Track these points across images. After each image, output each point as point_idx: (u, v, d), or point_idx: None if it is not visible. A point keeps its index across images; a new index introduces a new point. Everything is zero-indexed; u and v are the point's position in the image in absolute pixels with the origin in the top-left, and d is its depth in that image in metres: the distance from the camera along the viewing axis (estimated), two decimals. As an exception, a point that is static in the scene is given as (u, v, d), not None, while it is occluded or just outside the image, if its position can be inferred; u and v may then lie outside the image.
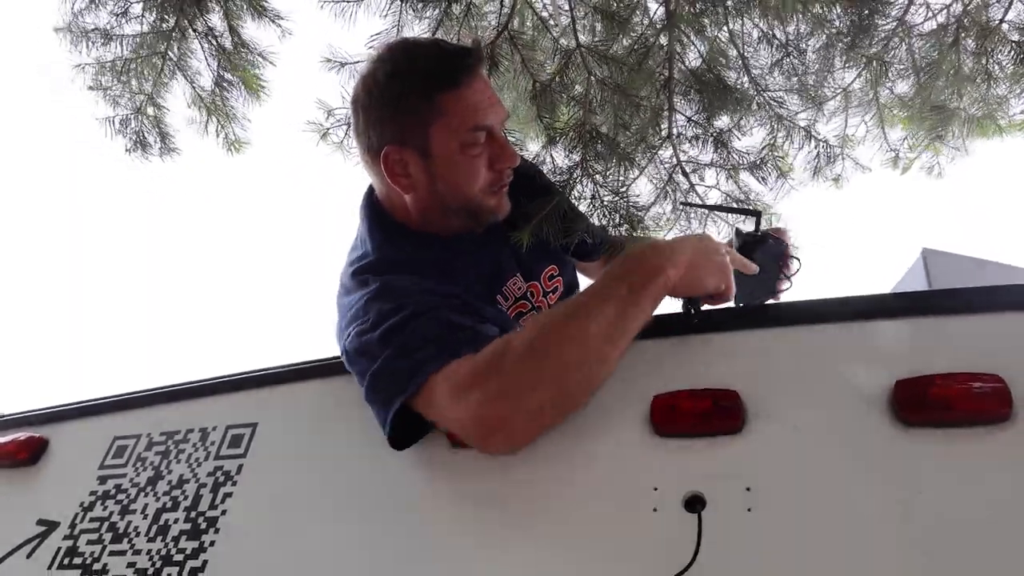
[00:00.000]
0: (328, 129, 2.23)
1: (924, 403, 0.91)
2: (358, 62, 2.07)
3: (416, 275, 1.21)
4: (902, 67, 2.50)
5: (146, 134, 2.49)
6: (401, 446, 1.10)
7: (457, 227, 1.32)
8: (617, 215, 1.61)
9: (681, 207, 1.42)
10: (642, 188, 1.84)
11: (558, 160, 1.76)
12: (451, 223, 1.31)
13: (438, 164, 1.24)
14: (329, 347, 1.27)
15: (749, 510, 0.91)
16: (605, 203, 1.60)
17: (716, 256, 1.14)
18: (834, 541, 0.86)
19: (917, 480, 0.88)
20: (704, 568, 0.88)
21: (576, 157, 1.68)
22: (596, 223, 1.62)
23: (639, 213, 1.65)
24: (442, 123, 1.20)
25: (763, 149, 2.02)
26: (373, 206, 1.35)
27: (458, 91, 1.19)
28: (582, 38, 2.25)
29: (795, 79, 2.31)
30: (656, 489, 0.97)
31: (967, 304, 1.01)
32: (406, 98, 1.21)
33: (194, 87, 2.52)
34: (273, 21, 2.44)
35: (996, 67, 2.32)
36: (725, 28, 2.28)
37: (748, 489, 0.93)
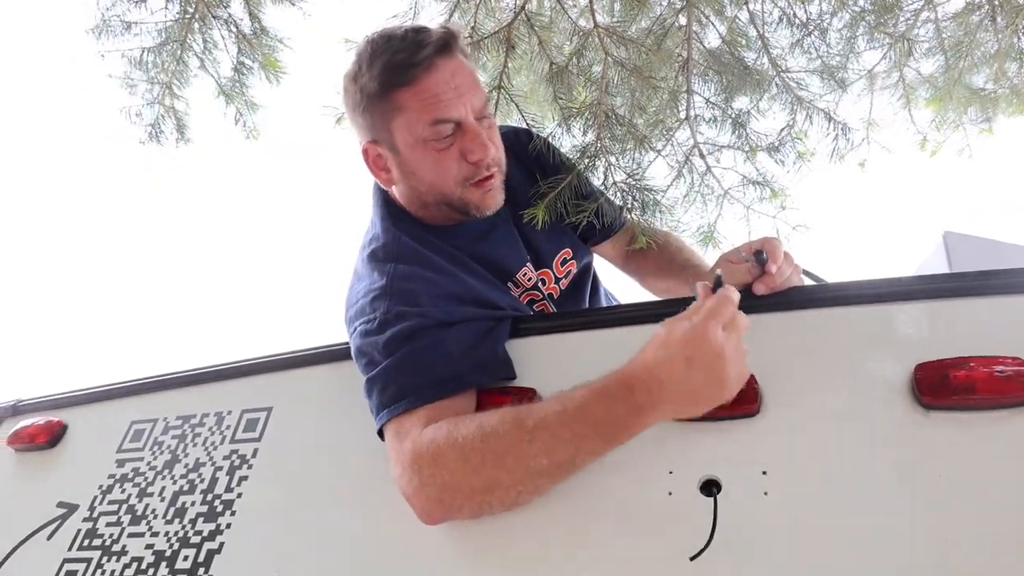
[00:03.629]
0: (344, 113, 2.22)
1: (945, 386, 0.89)
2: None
3: (426, 266, 1.21)
4: (928, 46, 2.44)
5: (162, 124, 2.50)
6: None
7: (451, 218, 1.29)
8: (630, 197, 1.58)
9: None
10: (658, 171, 1.81)
11: (573, 140, 1.74)
12: (441, 215, 1.29)
13: (406, 160, 1.23)
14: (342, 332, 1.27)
15: (765, 494, 0.91)
16: (618, 184, 1.57)
17: (709, 392, 0.90)
18: (851, 525, 0.85)
19: (937, 464, 0.86)
20: (720, 551, 0.88)
21: (591, 136, 1.66)
22: (609, 204, 1.59)
23: (654, 195, 1.63)
24: (402, 120, 1.18)
25: (782, 131, 1.98)
26: (381, 192, 1.34)
27: (414, 86, 1.15)
28: (600, 19, 2.22)
29: (817, 60, 2.27)
30: (671, 473, 0.97)
31: (988, 286, 0.99)
32: (368, 96, 1.20)
33: (214, 76, 2.52)
34: (293, 3, 2.44)
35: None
36: (745, 8, 2.23)
37: (764, 473, 0.92)
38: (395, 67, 1.15)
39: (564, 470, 0.96)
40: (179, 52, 2.44)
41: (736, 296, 0.95)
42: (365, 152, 1.27)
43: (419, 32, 1.17)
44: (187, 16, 2.32)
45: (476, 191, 1.23)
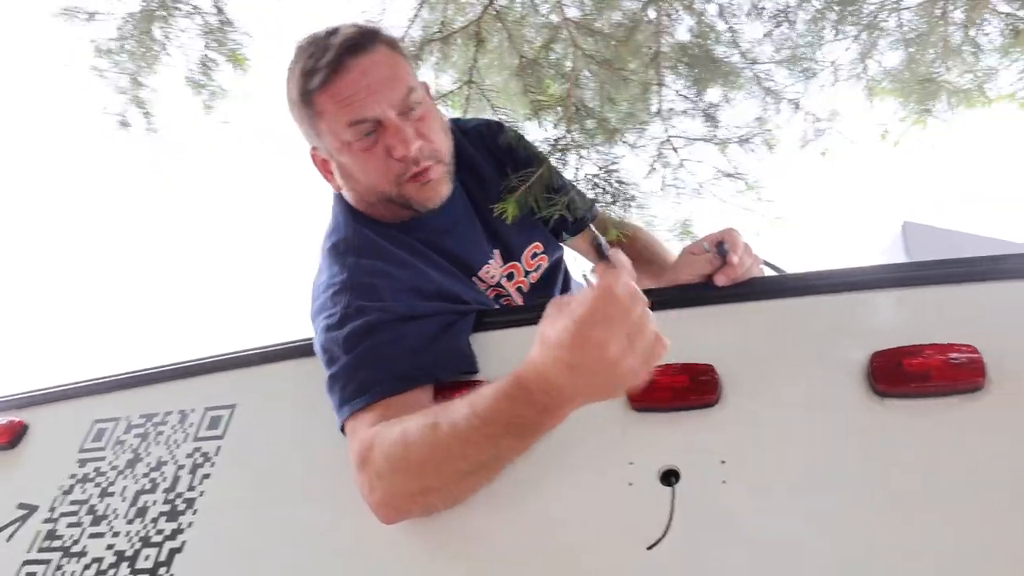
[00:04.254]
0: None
1: (899, 374, 0.90)
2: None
3: (388, 260, 1.20)
4: (892, 38, 2.47)
5: (130, 115, 2.47)
6: None
7: (402, 215, 1.27)
8: (601, 190, 1.59)
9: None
10: (631, 164, 1.81)
11: (545, 133, 1.74)
12: (391, 213, 1.27)
13: (339, 163, 1.23)
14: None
15: (724, 482, 0.91)
16: (588, 177, 1.57)
17: (608, 388, 0.86)
18: (808, 512, 0.86)
19: (892, 451, 0.87)
20: (677, 540, 0.88)
21: (561, 131, 1.66)
22: (580, 197, 1.58)
23: (626, 188, 1.63)
24: (324, 125, 1.18)
25: (753, 122, 2.00)
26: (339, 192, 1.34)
27: (326, 90, 1.14)
28: (572, 12, 2.22)
29: (785, 51, 2.29)
30: (632, 463, 0.97)
31: (944, 275, 1.01)
32: (294, 103, 1.21)
33: (185, 67, 2.50)
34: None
35: (984, 39, 2.30)
36: (714, 1, 2.25)
37: (723, 462, 0.93)
38: (308, 72, 1.15)
39: (490, 468, 0.97)
40: (147, 43, 2.41)
41: (618, 282, 0.80)
42: (312, 158, 1.28)
43: (330, 34, 1.16)
44: (152, 7, 2.29)
45: (413, 186, 1.21)
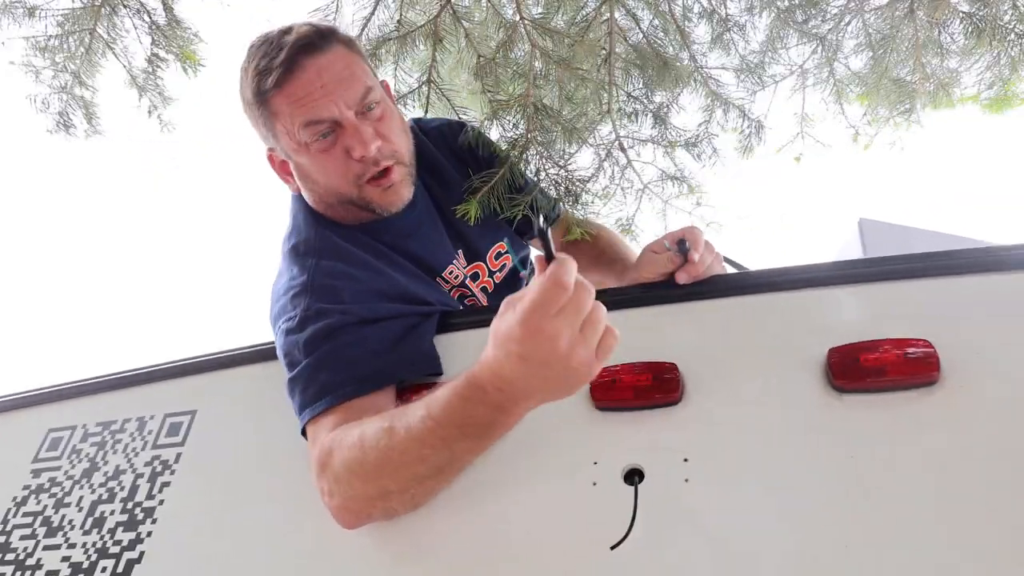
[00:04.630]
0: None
1: (856, 370, 0.91)
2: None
3: (350, 262, 1.18)
4: (857, 42, 2.51)
5: (71, 114, 2.38)
6: None
7: (363, 217, 1.25)
8: (563, 188, 1.59)
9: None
10: (587, 162, 1.82)
11: (504, 132, 1.73)
12: (351, 215, 1.25)
13: (297, 165, 1.21)
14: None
15: (686, 480, 0.91)
16: (550, 176, 1.57)
17: (562, 382, 0.83)
18: (770, 509, 0.87)
19: (851, 445, 0.88)
20: (641, 539, 0.88)
21: (520, 130, 1.65)
22: (544, 196, 1.58)
23: (583, 186, 1.63)
24: (280, 126, 1.15)
25: (700, 126, 2.02)
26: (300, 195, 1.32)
27: (280, 91, 1.12)
28: (526, 12, 2.22)
29: (737, 56, 2.31)
30: (596, 463, 0.97)
31: (896, 271, 1.02)
32: (248, 104, 1.19)
33: (126, 66, 2.42)
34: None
35: (948, 39, 2.33)
36: (666, 3, 2.26)
37: (685, 460, 0.93)
38: (261, 73, 1.12)
39: (447, 471, 0.96)
40: (88, 41, 2.33)
41: (567, 273, 0.78)
42: (270, 159, 1.26)
43: (284, 33, 1.14)
44: (96, 3, 2.22)
45: (374, 189, 1.19)
